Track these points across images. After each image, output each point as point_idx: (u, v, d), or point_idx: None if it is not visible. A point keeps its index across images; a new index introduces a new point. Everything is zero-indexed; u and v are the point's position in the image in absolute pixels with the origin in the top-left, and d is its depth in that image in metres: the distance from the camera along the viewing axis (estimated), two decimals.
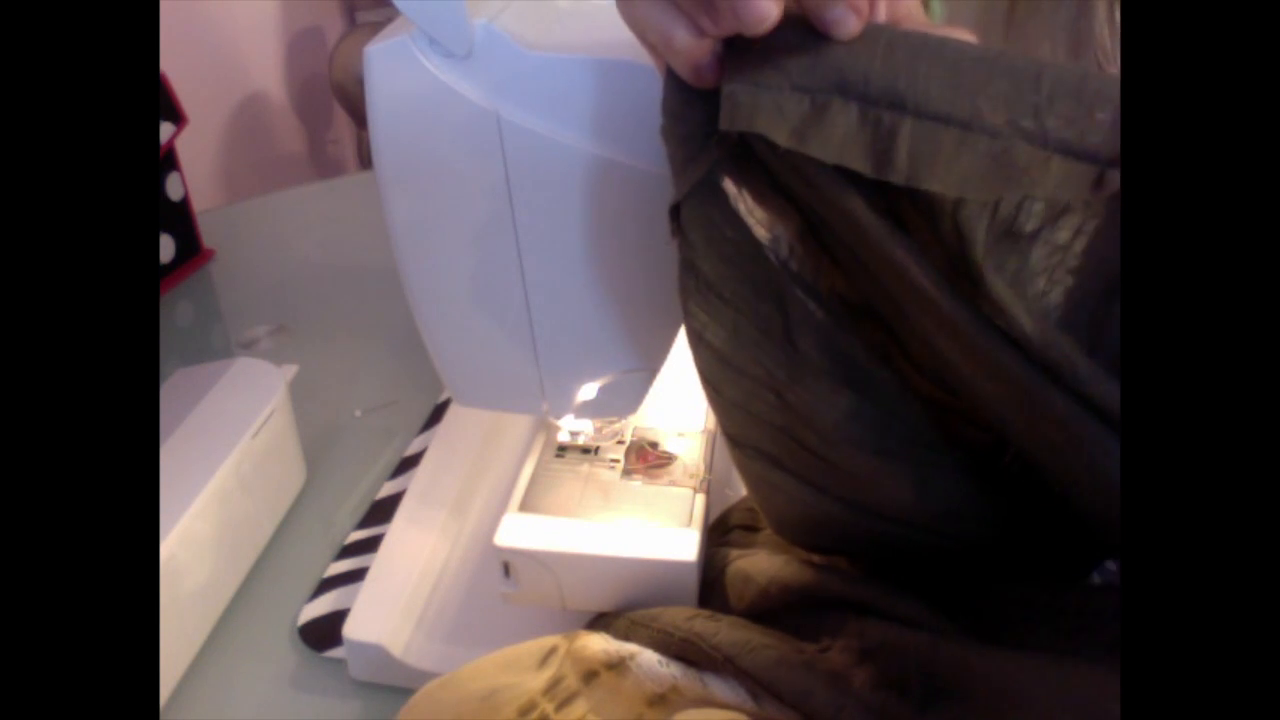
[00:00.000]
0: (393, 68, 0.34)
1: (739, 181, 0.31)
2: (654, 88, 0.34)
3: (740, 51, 0.28)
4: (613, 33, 0.36)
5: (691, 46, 0.29)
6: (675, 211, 0.32)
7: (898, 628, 0.34)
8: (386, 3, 0.34)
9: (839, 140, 0.27)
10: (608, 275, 0.38)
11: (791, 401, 0.34)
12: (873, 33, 0.27)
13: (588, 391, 0.42)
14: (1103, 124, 0.26)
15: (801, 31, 0.27)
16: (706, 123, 0.30)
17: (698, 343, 0.35)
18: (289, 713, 0.43)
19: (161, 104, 0.73)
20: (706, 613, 0.38)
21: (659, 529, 0.41)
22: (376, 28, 0.36)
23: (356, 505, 0.55)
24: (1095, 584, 0.34)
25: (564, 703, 0.35)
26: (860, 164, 0.27)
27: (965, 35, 0.28)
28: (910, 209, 0.29)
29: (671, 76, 0.30)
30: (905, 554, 0.37)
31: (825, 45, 0.27)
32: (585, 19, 0.37)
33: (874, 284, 0.31)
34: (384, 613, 0.44)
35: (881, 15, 0.29)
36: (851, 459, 0.34)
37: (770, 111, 0.28)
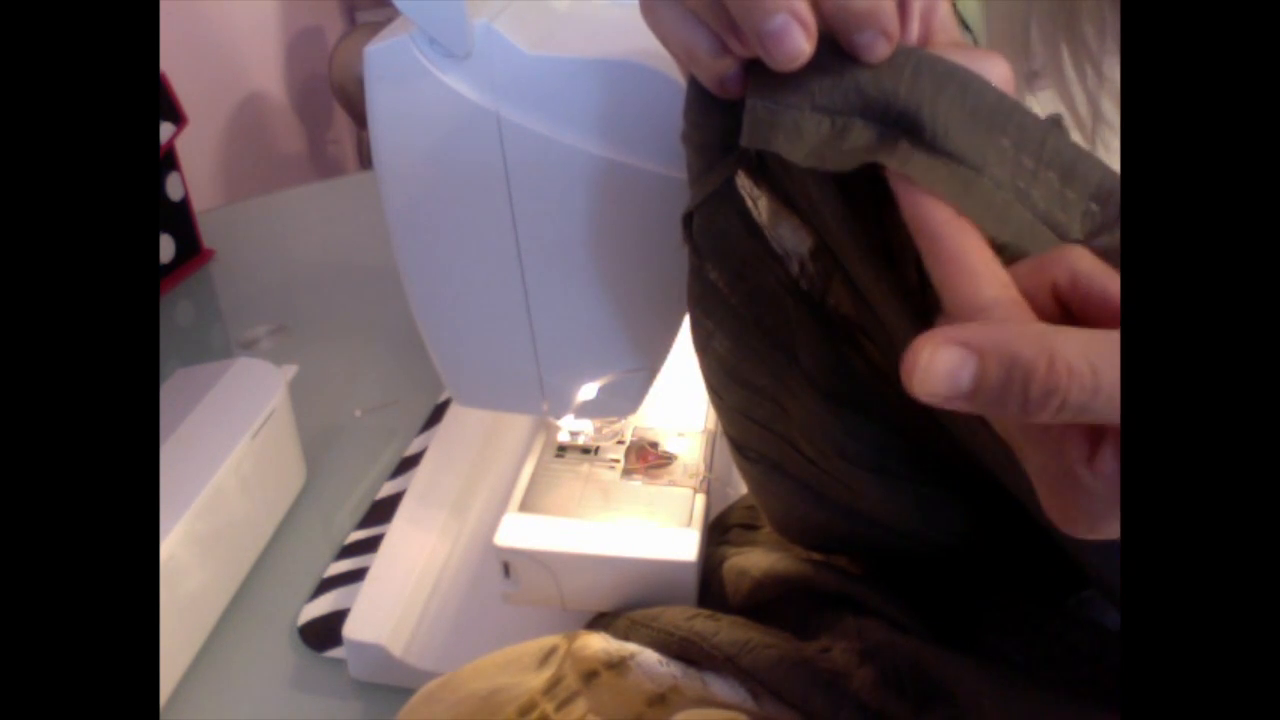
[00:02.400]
0: (393, 68, 0.34)
1: (754, 195, 0.31)
2: (653, 88, 0.34)
3: (765, 65, 0.28)
4: (612, 33, 0.36)
5: (715, 60, 0.28)
6: (688, 218, 0.32)
7: (890, 628, 0.34)
8: (386, 3, 0.34)
9: (854, 156, 0.27)
10: (608, 275, 0.38)
11: (792, 413, 0.34)
12: (900, 56, 0.27)
13: (588, 391, 0.42)
14: (1071, 203, 0.26)
15: (827, 50, 0.27)
16: (726, 133, 0.29)
17: (703, 349, 0.35)
18: (289, 713, 0.43)
19: (161, 104, 0.73)
20: (707, 612, 0.38)
21: (659, 529, 0.41)
22: (376, 28, 0.36)
23: (356, 505, 0.55)
24: (1075, 614, 0.35)
25: (564, 702, 0.35)
26: (879, 161, 0.27)
27: (998, 62, 0.27)
28: (909, 243, 0.29)
29: (694, 84, 0.30)
30: (902, 559, 0.37)
31: (850, 66, 0.27)
32: (584, 20, 0.37)
33: (870, 310, 0.31)
34: (384, 613, 0.44)
35: (914, 34, 0.28)
36: (849, 474, 0.34)
37: (789, 131, 0.27)
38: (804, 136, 0.27)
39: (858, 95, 0.27)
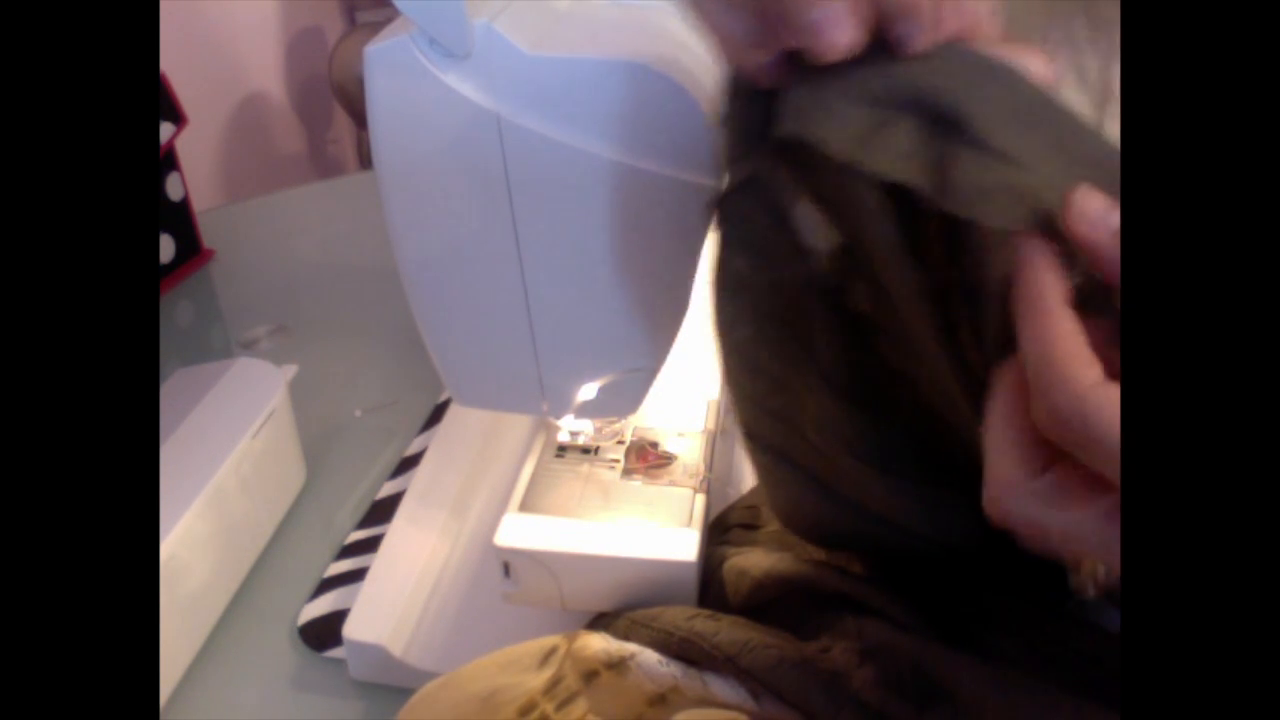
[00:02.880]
0: (393, 68, 0.34)
1: (785, 186, 0.31)
2: (654, 88, 0.34)
3: (805, 55, 0.27)
4: (612, 33, 0.36)
5: (755, 49, 0.28)
6: (719, 203, 0.32)
7: (890, 628, 0.34)
8: (386, 3, 0.34)
9: (897, 156, 0.27)
10: (607, 275, 0.38)
11: (806, 406, 0.34)
12: (942, 50, 0.27)
13: (588, 391, 0.42)
14: None
15: (869, 42, 0.27)
16: (763, 122, 0.29)
17: (722, 337, 0.35)
18: (289, 713, 0.43)
19: (161, 104, 0.73)
20: (707, 612, 0.38)
21: (659, 529, 0.41)
22: (376, 28, 0.36)
23: (356, 505, 0.54)
24: (1075, 616, 0.35)
25: (564, 703, 0.35)
26: (920, 181, 0.27)
27: (1037, 57, 0.27)
28: (935, 241, 0.29)
29: (733, 71, 0.30)
30: (906, 558, 0.37)
31: (891, 58, 0.27)
32: (585, 19, 0.37)
33: (891, 309, 0.31)
34: (384, 613, 0.44)
35: (956, 27, 0.28)
36: (858, 471, 0.34)
37: (830, 119, 0.27)
38: (846, 126, 0.27)
39: (898, 88, 0.27)
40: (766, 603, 0.39)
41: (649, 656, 0.36)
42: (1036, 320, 0.24)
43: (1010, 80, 0.26)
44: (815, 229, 0.31)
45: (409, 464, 0.56)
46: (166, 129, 0.74)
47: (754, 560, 0.40)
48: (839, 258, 0.31)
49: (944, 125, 0.26)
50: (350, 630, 0.43)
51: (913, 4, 0.26)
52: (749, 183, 0.31)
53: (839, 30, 0.26)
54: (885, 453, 0.33)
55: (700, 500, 0.43)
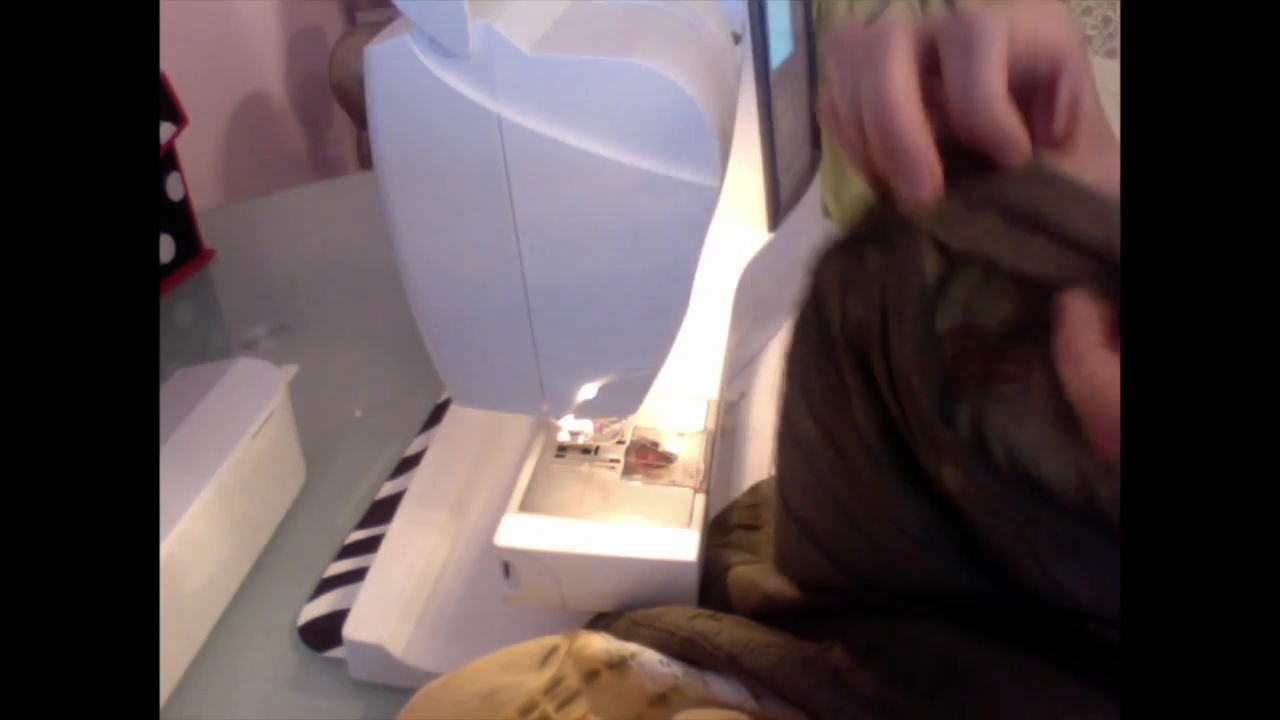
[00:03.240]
0: (393, 68, 0.34)
1: (868, 260, 0.32)
2: (653, 88, 0.34)
3: None
4: (612, 33, 0.36)
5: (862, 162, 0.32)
6: (815, 260, 0.34)
7: (909, 620, 0.34)
8: (386, 3, 0.34)
9: (983, 232, 0.29)
10: (608, 275, 0.38)
11: (850, 468, 0.34)
12: (1035, 172, 0.29)
13: (588, 391, 0.42)
14: None
15: (970, 156, 0.29)
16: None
17: (788, 375, 0.36)
18: (289, 713, 0.43)
19: (161, 104, 0.73)
20: (708, 612, 0.38)
21: (659, 529, 0.41)
22: (376, 28, 0.36)
23: (356, 505, 0.55)
24: (1098, 636, 0.34)
25: (565, 702, 0.35)
26: (1003, 254, 0.29)
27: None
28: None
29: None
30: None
31: (986, 170, 0.29)
32: (585, 19, 0.37)
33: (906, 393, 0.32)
34: (384, 613, 0.44)
35: (1060, 129, 0.30)
36: (892, 542, 0.33)
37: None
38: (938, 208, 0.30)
39: (995, 195, 0.29)
40: (774, 615, 0.38)
41: (650, 656, 0.36)
42: (1072, 364, 0.26)
43: (1095, 204, 0.28)
44: (866, 309, 0.33)
45: (409, 464, 0.56)
46: (166, 129, 0.74)
47: (766, 575, 0.40)
48: (871, 324, 0.33)
49: (1027, 221, 0.28)
50: (350, 630, 0.43)
51: (1011, 139, 0.29)
52: (837, 248, 0.34)
53: (919, 194, 0.29)
54: (920, 523, 0.33)
55: (700, 500, 0.43)
